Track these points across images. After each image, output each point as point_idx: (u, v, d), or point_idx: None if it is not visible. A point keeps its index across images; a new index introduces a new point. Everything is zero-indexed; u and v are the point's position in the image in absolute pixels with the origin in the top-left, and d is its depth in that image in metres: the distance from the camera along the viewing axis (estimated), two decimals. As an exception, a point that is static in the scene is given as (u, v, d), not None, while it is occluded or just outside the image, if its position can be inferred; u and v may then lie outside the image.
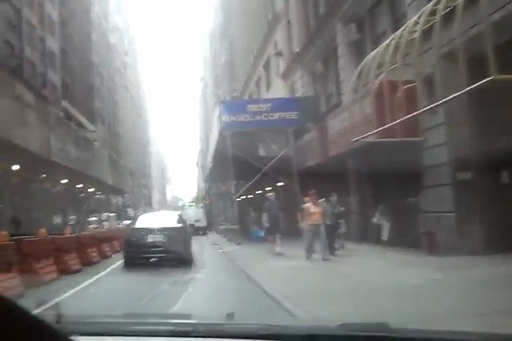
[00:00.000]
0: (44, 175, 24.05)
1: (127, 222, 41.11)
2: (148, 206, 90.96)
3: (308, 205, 12.13)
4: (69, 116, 43.14)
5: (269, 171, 20.19)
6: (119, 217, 56.28)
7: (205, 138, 76.05)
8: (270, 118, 19.76)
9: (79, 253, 12.98)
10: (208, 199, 46.87)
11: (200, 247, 20.84)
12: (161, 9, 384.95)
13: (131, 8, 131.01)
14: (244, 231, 21.26)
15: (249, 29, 36.82)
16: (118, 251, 17.49)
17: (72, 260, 12.16)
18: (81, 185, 22.18)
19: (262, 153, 21.06)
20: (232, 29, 50.67)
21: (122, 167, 26.81)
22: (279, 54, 23.79)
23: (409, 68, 10.63)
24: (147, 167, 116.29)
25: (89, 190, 20.60)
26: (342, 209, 13.56)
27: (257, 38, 33.43)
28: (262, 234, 18.57)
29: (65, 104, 44.73)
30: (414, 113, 10.11)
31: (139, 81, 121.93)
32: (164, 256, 11.81)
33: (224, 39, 56.73)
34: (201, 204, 54.53)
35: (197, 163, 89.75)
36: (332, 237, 12.53)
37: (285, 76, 24.24)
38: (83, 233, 15.15)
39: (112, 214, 35.19)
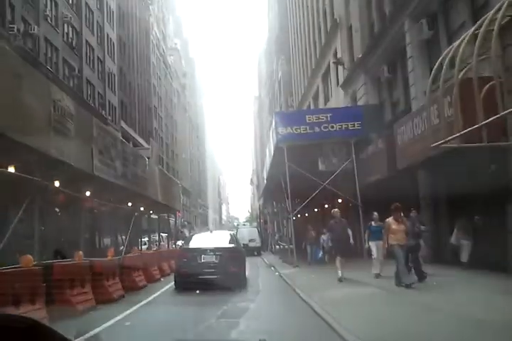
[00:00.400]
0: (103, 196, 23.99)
1: (180, 242, 40.46)
2: (204, 225, 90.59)
3: (390, 221, 10.36)
4: (126, 137, 43.48)
5: (328, 187, 18.58)
6: (176, 237, 55.96)
7: (260, 157, 75.29)
8: (330, 129, 18.22)
9: (121, 278, 11.68)
10: (263, 218, 45.46)
11: (254, 269, 19.37)
12: (218, 31, 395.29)
13: (189, 31, 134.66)
14: (301, 252, 19.51)
15: (306, 41, 35.70)
16: (168, 274, 16.50)
17: (113, 286, 10.84)
18: (132, 204, 21.72)
19: (321, 167, 19.47)
20: (288, 44, 49.97)
21: (177, 186, 25.79)
22: (339, 62, 22.30)
23: (496, 63, 8.86)
24: (203, 186, 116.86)
25: (141, 209, 19.80)
26: (423, 227, 11.62)
27: (314, 49, 32.20)
28: (321, 255, 16.99)
29: (123, 124, 45.22)
30: (504, 112, 8.27)
31: (197, 101, 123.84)
32: (217, 278, 11.20)
33: (280, 55, 56.04)
34: (255, 224, 53.15)
35: (251, 181, 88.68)
36: (417, 260, 10.68)
37: (345, 85, 22.66)
38: (129, 255, 13.97)
39: (164, 235, 34.38)
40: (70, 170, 9.41)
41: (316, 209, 28.57)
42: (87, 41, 36.93)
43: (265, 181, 32.92)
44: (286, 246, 24.02)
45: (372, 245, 12.20)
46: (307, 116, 18.37)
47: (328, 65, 27.35)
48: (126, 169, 12.32)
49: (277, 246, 33.10)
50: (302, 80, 39.06)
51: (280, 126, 18.34)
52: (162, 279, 15.36)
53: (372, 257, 12.15)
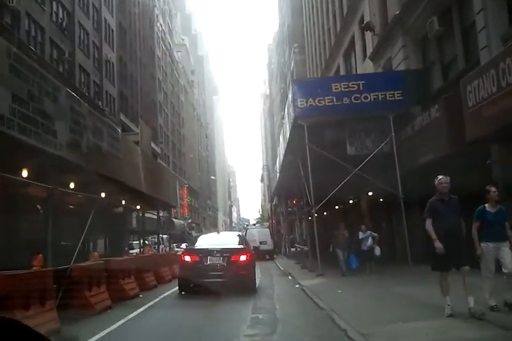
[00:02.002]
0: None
1: (185, 244, 36.72)
2: (214, 228, 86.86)
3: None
4: (126, 131, 39.93)
5: (361, 174, 14.70)
6: (183, 239, 52.28)
7: (271, 156, 71.32)
8: (363, 100, 14.33)
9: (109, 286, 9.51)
10: (275, 218, 41.48)
11: (267, 278, 15.48)
12: (227, 28, 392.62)
13: (198, 28, 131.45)
14: (325, 256, 15.40)
15: (324, 18, 31.83)
16: (167, 281, 14.05)
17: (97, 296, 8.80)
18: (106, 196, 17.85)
19: (349, 150, 15.57)
20: (301, 30, 46.27)
21: (173, 179, 21.83)
22: (368, 27, 18.35)
23: None
24: (212, 188, 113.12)
25: (137, 207, 16.18)
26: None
27: (334, 23, 28.32)
28: (356, 263, 13.07)
29: (122, 117, 41.69)
30: None
31: (206, 100, 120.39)
32: (224, 281, 10.51)
33: (292, 44, 52.23)
34: (267, 224, 49.18)
35: (261, 178, 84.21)
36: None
37: (376, 55, 18.73)
38: (114, 259, 10.79)
39: (165, 236, 30.65)
40: None
41: (337, 206, 24.58)
42: (80, 24, 33.39)
43: (278, 175, 29.05)
44: (305, 248, 20.01)
45: (491, 248, 6.41)
46: (333, 85, 14.45)
47: (352, 38, 23.46)
48: (76, 136, 8.46)
49: (292, 249, 29.09)
50: (319, 65, 35.21)
51: (299, 97, 14.45)
52: (158, 287, 13.07)
53: (504, 270, 6.37)
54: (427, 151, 12.55)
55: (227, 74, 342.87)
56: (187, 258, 11.52)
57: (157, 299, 10.40)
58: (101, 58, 37.85)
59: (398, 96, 14.32)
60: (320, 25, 34.08)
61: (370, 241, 13.47)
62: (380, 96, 14.32)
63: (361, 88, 14.37)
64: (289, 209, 28.83)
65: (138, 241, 25.14)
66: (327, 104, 14.30)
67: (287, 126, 17.15)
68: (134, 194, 13.17)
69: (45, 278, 7.10)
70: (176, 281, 14.14)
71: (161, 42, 65.91)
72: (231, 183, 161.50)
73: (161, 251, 21.56)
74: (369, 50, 20.26)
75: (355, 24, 22.47)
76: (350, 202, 22.13)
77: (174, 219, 60.70)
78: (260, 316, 7.65)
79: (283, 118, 20.26)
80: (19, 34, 23.89)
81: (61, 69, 29.46)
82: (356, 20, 22.07)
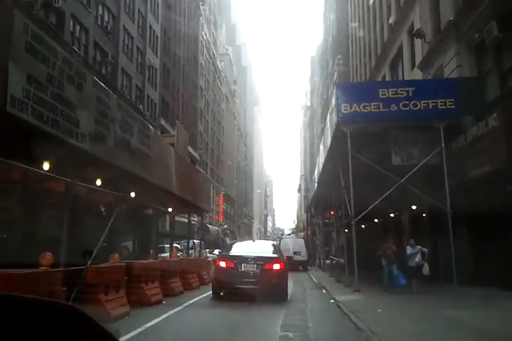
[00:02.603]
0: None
1: (218, 250, 36.22)
2: (248, 236, 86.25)
3: None
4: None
5: (402, 187, 13.79)
6: (216, 245, 51.81)
7: (310, 168, 70.39)
8: (412, 107, 13.42)
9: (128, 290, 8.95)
10: (310, 229, 40.46)
11: (299, 290, 14.70)
12: (271, 39, 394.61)
13: (243, 39, 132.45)
14: (361, 270, 14.45)
15: (370, 28, 31.03)
16: (195, 288, 13.52)
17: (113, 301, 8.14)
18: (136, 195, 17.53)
19: (394, 160, 14.67)
20: (346, 42, 45.55)
21: (208, 183, 21.38)
22: (419, 34, 17.43)
23: None
24: (249, 196, 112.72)
25: (168, 210, 15.85)
26: None
27: (381, 33, 27.51)
28: (403, 280, 12.05)
29: (162, 122, 41.89)
30: None
31: (247, 110, 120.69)
32: (256, 288, 10.70)
33: (336, 55, 51.47)
34: (302, 234, 48.09)
35: (299, 188, 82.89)
36: None
37: (426, 63, 17.80)
38: (138, 262, 10.26)
39: (196, 241, 30.21)
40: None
41: (376, 220, 23.45)
42: (125, 28, 33.77)
43: (316, 186, 28.22)
44: (341, 261, 19.08)
45: None
46: (380, 90, 13.59)
47: (400, 47, 22.56)
48: (102, 129, 7.90)
49: (327, 261, 28.09)
50: (363, 75, 34.34)
51: (343, 102, 13.68)
52: (184, 293, 12.52)
53: None
54: (481, 163, 11.55)
55: (269, 86, 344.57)
56: (222, 264, 11.75)
57: (180, 307, 9.81)
58: (144, 63, 38.18)
59: (450, 105, 13.34)
60: (366, 35, 33.30)
61: (418, 257, 12.42)
62: (430, 104, 13.39)
63: (410, 95, 13.49)
64: (326, 220, 27.86)
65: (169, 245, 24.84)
66: (373, 110, 13.47)
67: (329, 133, 16.39)
68: (164, 196, 12.69)
69: (52, 279, 6.55)
70: (204, 288, 13.76)
71: (205, 50, 66.41)
72: (268, 193, 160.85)
73: (191, 255, 21.02)
74: (418, 59, 19.32)
75: (403, 33, 21.58)
76: (391, 215, 21.04)
77: (209, 225, 60.54)
78: (290, 335, 6.89)
79: (324, 125, 19.54)
80: (63, 34, 24.17)
81: (104, 72, 29.74)
82: (405, 29, 21.20)
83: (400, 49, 22.49)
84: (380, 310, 8.83)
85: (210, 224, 63.57)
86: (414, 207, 17.47)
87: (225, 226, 71.68)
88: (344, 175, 15.21)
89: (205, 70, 66.69)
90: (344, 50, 47.33)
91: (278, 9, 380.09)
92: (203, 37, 64.37)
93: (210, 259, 18.20)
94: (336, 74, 51.67)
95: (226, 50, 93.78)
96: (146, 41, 38.58)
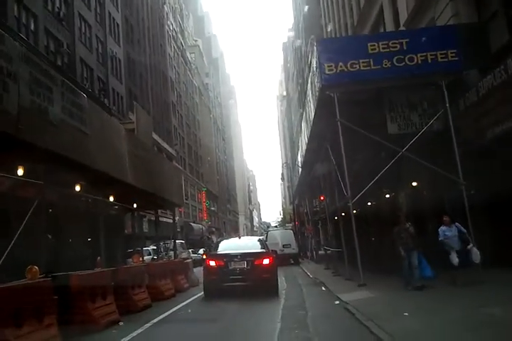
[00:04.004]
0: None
1: (202, 250, 33.88)
2: (235, 232, 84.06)
3: None
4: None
5: (400, 161, 11.73)
6: (202, 244, 49.45)
7: (291, 157, 68.12)
8: (408, 62, 11.27)
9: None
10: (298, 219, 38.28)
11: (295, 289, 12.52)
12: (240, 29, 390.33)
13: (212, 30, 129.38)
14: (366, 259, 12.16)
15: (344, 1, 28.82)
16: (167, 297, 11.52)
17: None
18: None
19: (391, 129, 12.53)
20: (319, 19, 43.39)
21: (178, 174, 18.75)
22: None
23: None
24: (232, 191, 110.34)
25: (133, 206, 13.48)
26: None
27: (356, 3, 25.35)
28: (429, 271, 9.66)
29: (131, 116, 39.25)
30: None
31: (222, 103, 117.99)
32: (248, 285, 10.96)
33: (309, 35, 49.25)
34: (290, 226, 45.94)
35: (282, 177, 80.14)
36: None
37: (414, 19, 15.66)
38: (78, 273, 7.80)
39: (178, 242, 27.86)
40: None
41: (369, 203, 21.27)
42: (80, 15, 30.98)
43: (300, 171, 26.05)
44: (335, 252, 16.99)
45: None
46: (369, 44, 11.34)
47: (380, 10, 20.43)
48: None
49: (320, 252, 25.96)
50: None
51: (326, 61, 11.42)
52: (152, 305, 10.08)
53: None
54: (504, 118, 9.43)
55: (243, 78, 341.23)
56: (211, 263, 11.70)
57: (140, 329, 7.35)
58: (105, 53, 35.47)
59: (452, 57, 11.21)
60: (340, 8, 31.13)
61: (457, 240, 9.44)
62: (429, 57, 11.23)
63: (405, 47, 11.31)
64: (315, 208, 25.68)
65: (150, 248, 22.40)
66: (362, 68, 11.26)
67: (311, 103, 14.15)
68: (120, 188, 10.33)
69: (42, 290, 6.24)
70: (181, 296, 11.84)
71: (172, 41, 63.57)
72: (251, 187, 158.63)
73: (163, 259, 18.62)
74: (403, 18, 17.18)
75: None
76: (387, 196, 18.94)
77: (192, 223, 58.06)
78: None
79: (305, 96, 17.32)
80: (7, 20, 21.47)
81: (59, 63, 27.05)
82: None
83: (381, 11, 20.35)
84: (406, 314, 6.59)
85: (194, 222, 61.14)
86: (414, 184, 15.40)
87: (209, 223, 69.20)
88: (333, 151, 13.04)
89: (175, 61, 63.91)
90: (318, 29, 45.17)
91: None
92: (169, 26, 61.52)
93: (189, 260, 15.89)
94: (310, 56, 49.61)
95: (195, 41, 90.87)
96: (105, 29, 35.82)
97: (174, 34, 65.81)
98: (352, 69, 11.31)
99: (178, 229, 52.12)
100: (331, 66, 11.35)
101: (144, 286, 10.29)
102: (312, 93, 13.50)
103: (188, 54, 76.55)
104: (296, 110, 68.93)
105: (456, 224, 9.87)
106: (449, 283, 9.26)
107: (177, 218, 53.12)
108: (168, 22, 61.82)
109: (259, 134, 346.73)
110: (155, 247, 21.33)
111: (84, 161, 7.79)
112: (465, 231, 9.81)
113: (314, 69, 12.33)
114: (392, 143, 12.01)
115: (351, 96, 11.89)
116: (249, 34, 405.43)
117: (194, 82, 79.02)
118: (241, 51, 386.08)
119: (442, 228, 9.82)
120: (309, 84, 14.07)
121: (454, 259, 9.25)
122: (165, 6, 60.15)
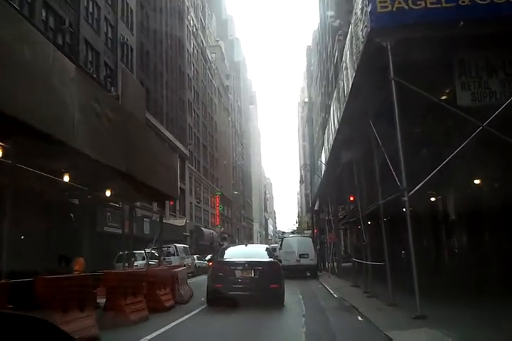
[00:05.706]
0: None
1: (209, 256, 30.58)
2: (248, 239, 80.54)
3: None
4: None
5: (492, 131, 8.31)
6: (213, 251, 46.07)
7: (309, 161, 64.40)
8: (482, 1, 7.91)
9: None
10: (317, 227, 34.65)
11: (318, 315, 9.09)
12: (264, 34, 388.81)
13: (236, 34, 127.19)
14: (424, 279, 8.62)
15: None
16: (136, 322, 8.47)
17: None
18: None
19: (460, 100, 9.09)
20: (348, 16, 40.06)
21: (172, 158, 15.34)
22: None
23: None
24: (247, 198, 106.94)
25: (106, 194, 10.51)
26: None
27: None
28: None
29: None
30: None
31: (242, 107, 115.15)
32: (253, 294, 10.88)
33: (336, 34, 45.99)
34: (309, 233, 42.21)
35: (300, 179, 75.66)
36: None
37: None
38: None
39: (181, 246, 24.58)
40: None
41: (432, 198, 16.52)
42: (87, -7, 28.24)
43: (323, 171, 22.62)
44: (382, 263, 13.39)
45: None
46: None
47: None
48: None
49: (346, 264, 22.30)
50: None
51: (376, -3, 8.11)
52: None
53: None
54: None
55: (264, 85, 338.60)
56: (216, 270, 11.57)
57: None
58: (116, 39, 32.68)
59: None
60: None
61: None
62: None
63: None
64: (342, 211, 22.14)
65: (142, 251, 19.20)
66: (430, 6, 7.92)
67: (348, 71, 10.77)
68: (79, 163, 7.10)
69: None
70: (156, 319, 8.51)
71: (192, 37, 60.89)
72: (267, 195, 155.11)
73: (143, 266, 15.30)
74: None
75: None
76: (432, 199, 15.34)
77: (204, 229, 54.81)
78: None
79: (337, 72, 13.99)
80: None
81: (60, 42, 24.25)
82: None
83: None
84: None
85: (206, 227, 57.93)
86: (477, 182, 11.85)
87: (222, 229, 65.84)
88: (379, 130, 9.65)
89: (194, 58, 61.17)
90: (345, 26, 41.99)
91: (269, 3, 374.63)
92: (189, 21, 58.90)
93: (179, 269, 12.59)
94: (337, 54, 46.30)
95: (217, 41, 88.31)
96: (117, 14, 33.08)
97: (194, 30, 63.19)
98: (415, 7, 7.96)
99: (188, 234, 49.01)
100: (386, 2, 8.00)
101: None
102: (351, 52, 10.12)
103: (208, 53, 73.90)
104: (318, 115, 65.62)
105: None
106: None
107: (187, 221, 49.78)
108: (189, 17, 59.22)
109: (279, 142, 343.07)
110: (153, 251, 18.12)
111: (32, 123, 4.53)
112: None
113: (358, 12, 8.98)
114: (460, 120, 8.63)
115: (407, 52, 8.51)
116: (272, 39, 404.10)
117: (214, 82, 76.27)
118: (263, 57, 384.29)
119: None
120: (347, 43, 10.68)
121: None
122: (186, 0, 57.54)
